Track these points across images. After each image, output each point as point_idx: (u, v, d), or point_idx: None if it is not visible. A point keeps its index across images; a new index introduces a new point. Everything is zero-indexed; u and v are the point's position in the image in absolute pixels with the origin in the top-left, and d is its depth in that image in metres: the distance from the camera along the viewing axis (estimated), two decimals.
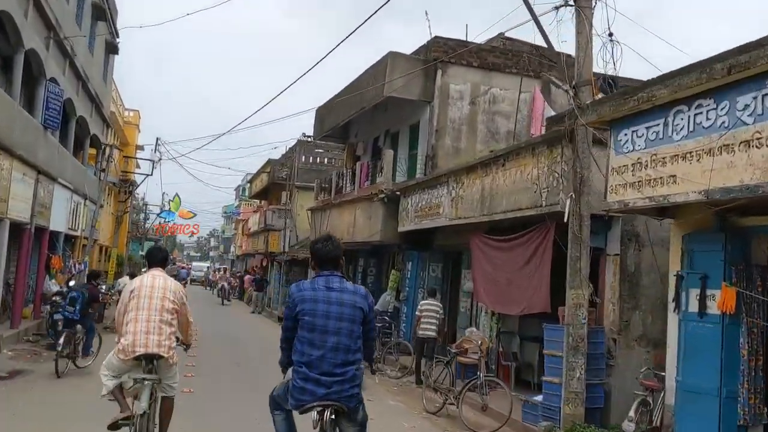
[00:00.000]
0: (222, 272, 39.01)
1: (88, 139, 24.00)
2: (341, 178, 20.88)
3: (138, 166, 43.21)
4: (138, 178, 41.02)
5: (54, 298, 16.11)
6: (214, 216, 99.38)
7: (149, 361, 5.64)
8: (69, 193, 20.54)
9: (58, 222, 19.26)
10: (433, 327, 13.12)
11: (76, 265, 20.67)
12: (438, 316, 13.38)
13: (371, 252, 19.75)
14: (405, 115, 17.95)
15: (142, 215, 65.68)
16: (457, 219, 12.46)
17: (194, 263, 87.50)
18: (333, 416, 4.15)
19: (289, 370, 4.41)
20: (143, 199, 66.40)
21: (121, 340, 5.72)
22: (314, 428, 4.30)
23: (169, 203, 61.47)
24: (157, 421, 5.86)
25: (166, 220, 62.24)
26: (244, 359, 15.25)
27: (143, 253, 54.70)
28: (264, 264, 37.77)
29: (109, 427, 5.69)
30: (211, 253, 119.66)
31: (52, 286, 17.83)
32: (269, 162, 36.59)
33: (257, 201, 72.44)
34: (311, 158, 35.29)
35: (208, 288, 50.85)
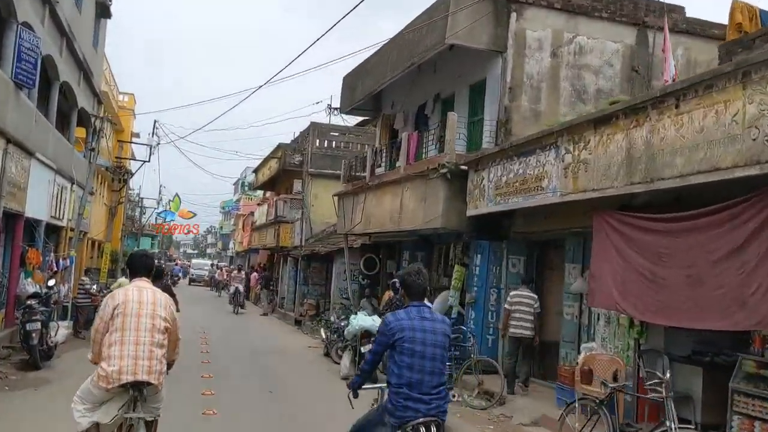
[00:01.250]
0: (236, 271, 32.97)
1: (76, 112, 20.49)
2: (377, 155, 17.43)
3: (134, 157, 39.80)
4: (134, 167, 37.73)
5: (28, 302, 12.67)
6: (212, 210, 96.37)
7: (137, 390, 4.91)
8: (51, 174, 17.07)
9: (37, 208, 15.78)
10: (528, 324, 10.82)
11: (60, 261, 17.19)
12: (533, 310, 10.85)
13: (418, 243, 16.31)
14: (464, 72, 14.52)
15: (138, 210, 62.75)
16: (577, 193, 9.02)
17: (194, 260, 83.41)
18: (434, 429, 4.55)
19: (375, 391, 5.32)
20: (139, 194, 63.37)
21: (102, 365, 4.89)
22: None
23: (169, 203, 59.46)
24: None
25: (166, 219, 59.14)
26: (277, 384, 11.80)
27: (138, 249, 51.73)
28: (274, 259, 34.25)
29: None
30: (209, 250, 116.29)
31: (28, 286, 14.33)
32: (280, 147, 32.96)
33: (259, 193, 69.21)
34: (326, 142, 31.85)
35: (214, 289, 45.99)
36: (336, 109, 20.02)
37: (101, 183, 34.06)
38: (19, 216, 14.42)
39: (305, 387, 11.76)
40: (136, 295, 5.06)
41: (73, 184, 20.00)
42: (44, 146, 15.86)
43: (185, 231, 69.93)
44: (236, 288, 28.25)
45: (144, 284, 5.21)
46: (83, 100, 20.56)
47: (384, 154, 17.26)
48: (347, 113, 20.34)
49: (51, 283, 14.89)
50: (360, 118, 32.54)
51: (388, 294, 13.57)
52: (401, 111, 17.83)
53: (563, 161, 9.38)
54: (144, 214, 63.05)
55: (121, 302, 5.00)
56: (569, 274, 10.69)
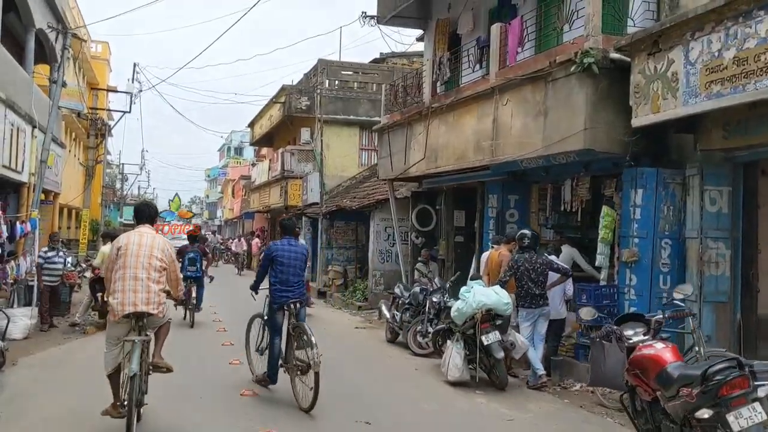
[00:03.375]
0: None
1: (33, 36, 15.75)
2: (440, 67, 12.84)
3: (111, 118, 35.00)
4: (111, 127, 32.96)
5: None
6: (198, 174, 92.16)
7: (138, 319, 5.66)
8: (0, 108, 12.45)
9: None
10: None
11: (18, 225, 12.62)
12: None
13: (508, 183, 11.86)
14: None
15: (118, 179, 58.41)
16: None
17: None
18: (298, 306, 7.42)
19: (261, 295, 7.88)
20: (119, 159, 58.79)
21: (109, 299, 5.73)
22: (285, 318, 7.44)
23: (169, 203, 59.59)
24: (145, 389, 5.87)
25: (166, 219, 56.16)
26: (364, 402, 7.46)
27: (122, 220, 47.06)
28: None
29: (103, 413, 5.79)
30: (195, 220, 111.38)
31: None
32: (284, 89, 28.17)
33: (248, 157, 64.43)
34: (336, 82, 27.22)
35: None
36: (372, 17, 15.37)
37: (74, 139, 29.33)
38: None
39: (408, 406, 7.36)
40: (137, 239, 5.85)
41: (34, 128, 15.34)
42: None
43: (184, 231, 67.84)
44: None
45: (146, 230, 5.99)
46: (42, 20, 15.80)
47: (448, 66, 12.66)
48: (386, 23, 15.66)
49: None
50: (375, 54, 27.87)
51: (501, 253, 9.18)
52: (468, 10, 13.24)
53: None
54: (126, 181, 58.51)
55: (123, 244, 5.80)
56: None
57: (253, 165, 44.06)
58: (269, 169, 30.86)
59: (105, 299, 11.60)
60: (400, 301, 11.27)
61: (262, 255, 8.55)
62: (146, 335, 5.72)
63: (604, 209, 9.07)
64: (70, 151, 26.65)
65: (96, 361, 7.82)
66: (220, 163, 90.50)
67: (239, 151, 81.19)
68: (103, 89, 30.22)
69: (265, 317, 7.64)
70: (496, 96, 10.49)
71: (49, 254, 12.29)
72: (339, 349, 11.01)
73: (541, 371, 8.14)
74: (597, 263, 9.10)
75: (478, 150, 11.07)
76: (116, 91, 28.99)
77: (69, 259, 14.90)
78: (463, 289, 8.33)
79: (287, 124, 28.69)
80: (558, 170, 10.58)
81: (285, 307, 7.32)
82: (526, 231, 8.85)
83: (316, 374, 6.58)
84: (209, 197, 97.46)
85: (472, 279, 9.20)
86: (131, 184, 61.72)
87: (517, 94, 9.99)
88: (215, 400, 7.22)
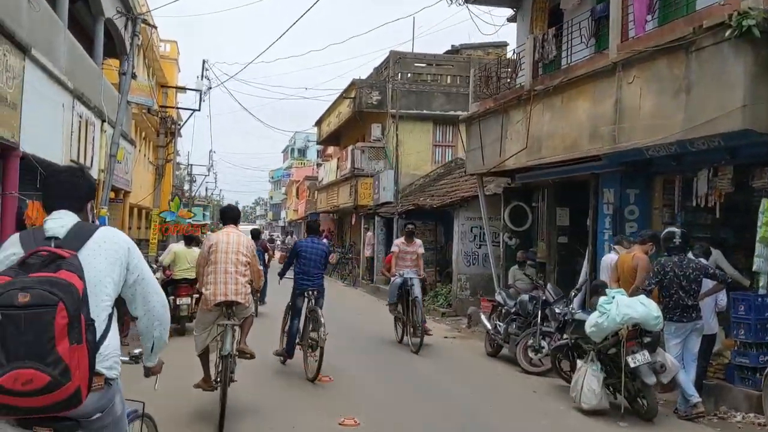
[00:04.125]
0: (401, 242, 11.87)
1: (101, 25, 15.04)
2: (543, 46, 11.44)
3: (180, 118, 34.78)
4: (180, 126, 32.59)
5: None
6: (260, 176, 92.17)
7: (228, 307, 6.53)
8: (66, 96, 11.65)
9: (45, 142, 10.36)
10: None
11: None
12: None
13: (627, 175, 10.37)
14: None
15: (186, 181, 58.46)
16: None
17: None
18: (315, 293, 8.58)
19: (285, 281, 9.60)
20: (188, 161, 59.03)
21: (203, 290, 6.71)
22: (305, 302, 8.59)
23: (169, 204, 59.87)
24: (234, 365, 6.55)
25: (167, 219, 56.45)
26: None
27: (191, 221, 46.88)
28: (353, 221, 28.62)
29: (195, 386, 6.79)
30: (258, 221, 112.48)
31: None
32: (354, 84, 27.08)
33: (312, 158, 63.97)
34: (408, 75, 26.04)
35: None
36: None
37: (144, 138, 28.97)
38: (10, 149, 9.01)
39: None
40: (225, 238, 6.79)
41: (104, 122, 14.63)
42: (49, 47, 10.40)
43: (185, 231, 68.62)
44: (409, 282, 10.98)
45: (231, 230, 6.94)
46: (110, 8, 15.08)
47: (554, 43, 11.25)
48: (475, 3, 14.33)
49: None
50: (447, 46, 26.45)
51: (636, 255, 7.76)
52: None
53: None
54: (194, 182, 58.69)
55: (214, 243, 6.75)
56: None
57: (319, 165, 43.28)
58: (338, 168, 29.84)
59: (176, 302, 10.87)
60: (503, 310, 9.94)
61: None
62: (236, 320, 6.46)
63: (764, 203, 7.52)
64: (140, 150, 26.27)
65: (172, 371, 6.93)
66: (284, 164, 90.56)
67: (303, 152, 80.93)
68: (173, 87, 29.76)
69: (289, 303, 8.91)
70: (619, 73, 9.06)
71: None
72: (436, 363, 9.78)
73: (697, 398, 6.71)
74: (754, 267, 7.56)
75: (595, 137, 9.65)
76: (185, 89, 28.42)
77: None
78: (602, 299, 6.91)
79: (357, 120, 27.58)
80: (692, 158, 9.05)
81: (305, 293, 8.58)
82: (674, 229, 7.41)
83: (321, 348, 7.88)
84: (273, 198, 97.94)
85: (598, 288, 7.80)
86: (199, 185, 61.75)
87: (648, 69, 8.56)
88: (291, 385, 8.20)
